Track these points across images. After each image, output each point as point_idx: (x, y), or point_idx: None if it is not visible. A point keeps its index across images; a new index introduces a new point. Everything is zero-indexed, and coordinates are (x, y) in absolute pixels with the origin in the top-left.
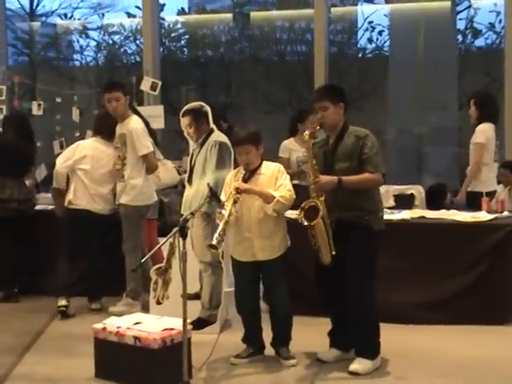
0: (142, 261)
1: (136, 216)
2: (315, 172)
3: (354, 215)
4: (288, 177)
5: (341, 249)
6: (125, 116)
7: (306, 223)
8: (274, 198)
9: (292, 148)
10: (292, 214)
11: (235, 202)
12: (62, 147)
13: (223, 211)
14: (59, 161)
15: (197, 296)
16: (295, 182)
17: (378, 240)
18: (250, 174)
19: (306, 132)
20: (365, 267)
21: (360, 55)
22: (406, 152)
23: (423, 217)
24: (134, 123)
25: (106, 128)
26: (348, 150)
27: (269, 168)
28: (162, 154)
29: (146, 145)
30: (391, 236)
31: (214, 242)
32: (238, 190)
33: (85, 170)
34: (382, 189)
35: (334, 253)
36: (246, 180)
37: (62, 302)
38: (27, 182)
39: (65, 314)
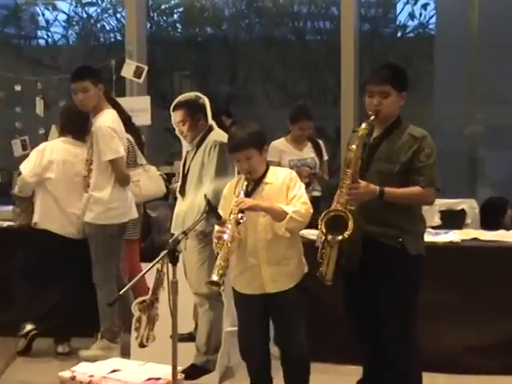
0: (121, 292)
1: (103, 237)
2: (355, 175)
3: (384, 232)
4: (303, 186)
5: (369, 275)
6: (97, 110)
7: (328, 237)
8: (287, 214)
9: (283, 149)
10: (309, 233)
11: (238, 224)
12: (24, 148)
13: (224, 235)
14: (26, 168)
15: (190, 337)
16: (316, 193)
17: (418, 268)
18: (254, 184)
19: (363, 125)
20: (402, 302)
21: (399, 34)
22: (456, 156)
23: (477, 239)
24: (102, 120)
25: (74, 125)
26: (395, 149)
27: (277, 175)
28: (146, 158)
29: (113, 148)
30: (436, 263)
31: (215, 278)
32: (242, 208)
33: (54, 180)
34: None
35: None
36: (249, 193)
37: (29, 327)
38: None
39: (29, 346)
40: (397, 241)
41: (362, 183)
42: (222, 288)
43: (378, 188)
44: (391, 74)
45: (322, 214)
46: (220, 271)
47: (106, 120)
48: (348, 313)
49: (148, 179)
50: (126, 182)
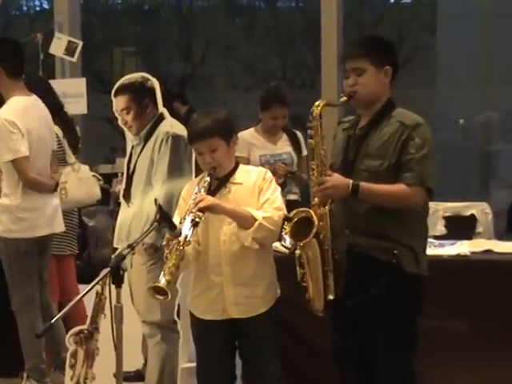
0: (53, 321)
1: (16, 255)
2: (322, 167)
3: (375, 245)
4: (278, 188)
5: (357, 300)
6: (5, 98)
7: (289, 244)
8: (256, 220)
9: (252, 142)
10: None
11: (195, 225)
12: None
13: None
14: None
15: (138, 375)
16: (292, 196)
17: (417, 290)
18: (220, 183)
19: (319, 102)
20: (396, 334)
21: (392, 0)
22: (464, 150)
23: (490, 251)
24: (2, 111)
25: None
26: (383, 141)
27: (248, 174)
28: (78, 157)
29: (10, 146)
30: (441, 281)
31: (162, 282)
32: (200, 207)
33: None
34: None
35: (331, 297)
36: (212, 192)
37: None
38: None
39: None
40: (391, 254)
41: (332, 177)
42: (169, 297)
43: (351, 182)
44: (367, 46)
45: (288, 219)
46: (167, 277)
47: (5, 111)
48: (333, 350)
49: (77, 181)
50: (33, 187)
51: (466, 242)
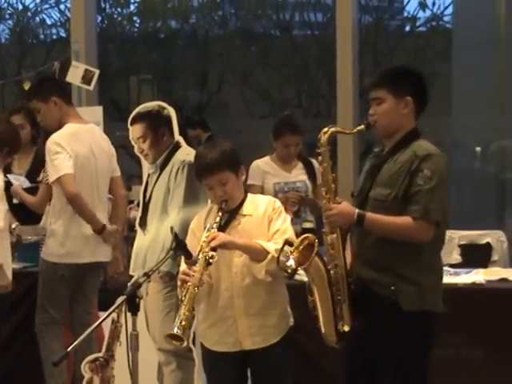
0: (69, 349)
1: (50, 278)
2: (330, 193)
3: (377, 278)
4: (288, 218)
5: (363, 335)
6: (61, 124)
7: (289, 269)
8: (268, 252)
9: (266, 170)
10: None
11: (208, 264)
12: None
13: (190, 279)
14: None
15: None
16: (308, 224)
17: (420, 328)
18: (229, 216)
19: (327, 128)
20: (399, 373)
21: (408, 28)
22: (480, 178)
23: (506, 279)
24: (52, 135)
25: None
26: (395, 170)
27: (257, 205)
28: None
29: (56, 165)
30: (457, 309)
31: (177, 330)
32: (212, 246)
33: None
34: None
35: (345, 329)
36: (222, 227)
37: None
38: None
39: None
40: (389, 289)
41: (339, 204)
42: (186, 343)
43: (356, 211)
44: (387, 75)
45: (289, 248)
46: (183, 323)
47: (55, 135)
48: (345, 375)
49: None
50: (75, 204)
51: (481, 271)
